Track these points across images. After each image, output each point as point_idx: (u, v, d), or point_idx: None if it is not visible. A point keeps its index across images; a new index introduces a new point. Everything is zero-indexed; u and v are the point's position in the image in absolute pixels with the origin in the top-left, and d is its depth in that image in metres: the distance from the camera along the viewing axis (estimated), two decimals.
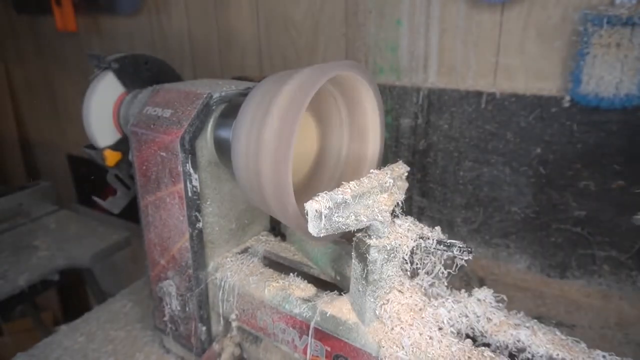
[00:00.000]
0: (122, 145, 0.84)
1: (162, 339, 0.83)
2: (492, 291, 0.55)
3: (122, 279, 1.63)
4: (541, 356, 0.51)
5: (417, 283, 0.57)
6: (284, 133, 0.49)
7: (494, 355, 0.51)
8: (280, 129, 0.50)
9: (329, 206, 0.48)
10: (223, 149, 0.66)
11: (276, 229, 0.83)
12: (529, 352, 0.53)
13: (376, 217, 0.51)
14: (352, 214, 0.50)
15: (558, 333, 0.51)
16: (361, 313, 0.56)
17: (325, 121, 0.69)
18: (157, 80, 0.82)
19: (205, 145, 0.66)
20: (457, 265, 0.54)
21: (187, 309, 0.73)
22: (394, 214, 0.54)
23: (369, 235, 0.53)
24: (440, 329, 0.55)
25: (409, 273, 0.57)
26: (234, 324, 0.72)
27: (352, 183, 0.53)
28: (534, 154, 0.83)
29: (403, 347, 0.53)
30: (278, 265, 0.72)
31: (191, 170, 0.64)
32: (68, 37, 1.56)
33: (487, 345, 0.54)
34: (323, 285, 0.66)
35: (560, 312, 0.85)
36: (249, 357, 0.74)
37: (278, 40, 1.09)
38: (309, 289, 0.64)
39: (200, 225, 0.68)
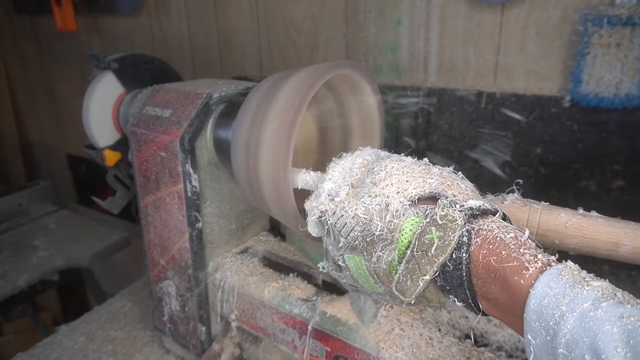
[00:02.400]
0: (121, 145, 0.84)
1: (162, 339, 0.83)
2: None
3: (122, 279, 1.63)
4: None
5: None
6: (283, 134, 0.49)
7: (494, 356, 0.51)
8: (280, 129, 0.50)
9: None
10: (222, 149, 0.65)
11: (276, 229, 0.83)
12: None
13: None
14: None
15: None
16: (361, 313, 0.56)
17: (325, 120, 0.69)
18: (157, 80, 0.82)
19: (205, 145, 0.66)
20: None
21: (187, 309, 0.73)
22: None
23: None
24: (440, 329, 0.55)
25: None
26: (233, 324, 0.72)
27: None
28: (534, 154, 0.83)
29: (403, 348, 0.53)
30: (278, 266, 0.72)
31: (191, 171, 0.64)
32: (68, 37, 1.56)
33: (487, 345, 0.54)
34: (323, 285, 0.66)
35: None
36: (249, 357, 0.74)
37: (278, 40, 1.08)
38: (309, 289, 0.64)
39: (199, 225, 0.68)
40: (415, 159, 0.46)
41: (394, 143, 0.97)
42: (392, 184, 0.42)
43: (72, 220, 1.45)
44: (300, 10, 1.03)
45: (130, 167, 0.81)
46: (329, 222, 0.45)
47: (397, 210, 0.40)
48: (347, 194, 0.45)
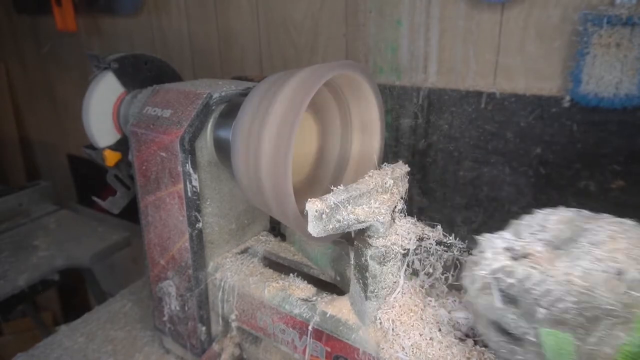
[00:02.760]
0: (121, 146, 0.84)
1: (162, 339, 0.83)
2: None
3: (122, 279, 1.63)
4: None
5: (418, 284, 0.57)
6: (283, 134, 0.49)
7: (493, 356, 0.51)
8: (280, 129, 0.50)
9: (329, 207, 0.48)
10: (223, 149, 0.65)
11: (276, 229, 0.83)
12: None
13: (376, 217, 0.51)
14: (352, 214, 0.50)
15: None
16: (361, 313, 0.56)
17: (325, 120, 0.69)
18: (157, 80, 0.82)
19: (205, 145, 0.66)
20: (457, 265, 0.54)
21: (187, 309, 0.73)
22: (394, 215, 0.54)
23: (369, 236, 0.53)
24: (440, 329, 0.55)
25: (408, 274, 0.57)
26: (233, 325, 0.72)
27: (352, 183, 0.53)
28: (534, 154, 0.83)
29: (403, 348, 0.53)
30: (278, 266, 0.72)
31: (191, 171, 0.64)
32: (68, 37, 1.56)
33: (487, 345, 0.54)
34: (323, 285, 0.66)
35: None
36: (249, 357, 0.74)
37: (278, 40, 1.09)
38: (309, 289, 0.64)
39: (200, 225, 0.68)
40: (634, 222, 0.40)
41: (394, 143, 0.97)
42: (619, 248, 0.34)
43: (72, 220, 1.45)
44: (300, 10, 1.03)
45: (130, 167, 0.81)
46: (510, 282, 0.36)
47: (636, 279, 0.33)
48: (545, 253, 0.37)
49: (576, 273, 0.34)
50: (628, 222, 0.38)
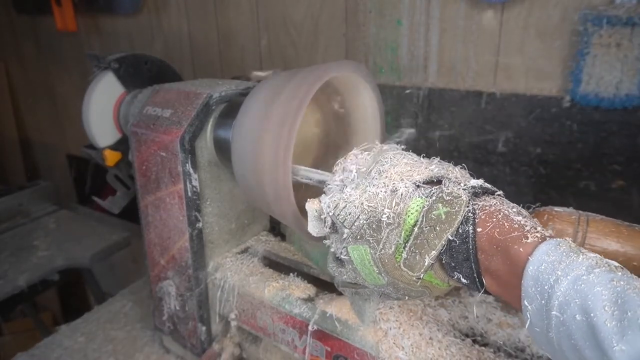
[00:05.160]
0: (122, 145, 0.84)
1: (162, 338, 0.83)
2: None
3: (122, 279, 1.63)
4: (540, 356, 0.51)
5: None
6: (283, 134, 0.49)
7: (494, 356, 0.51)
8: (280, 130, 0.50)
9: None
10: (223, 149, 0.65)
11: (276, 229, 0.83)
12: (528, 353, 0.53)
13: None
14: None
15: None
16: (361, 313, 0.56)
17: (326, 119, 0.69)
18: (157, 80, 0.82)
19: (205, 145, 0.66)
20: None
21: (187, 308, 0.73)
22: None
23: None
24: (440, 329, 0.55)
25: None
26: (233, 324, 0.72)
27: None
28: (534, 153, 0.83)
29: (403, 348, 0.53)
30: (278, 265, 0.72)
31: (191, 170, 0.64)
32: (68, 37, 1.56)
33: (487, 345, 0.54)
34: (323, 285, 0.66)
35: None
36: (249, 357, 0.74)
37: (278, 40, 1.08)
38: (309, 289, 0.64)
39: (200, 225, 0.68)
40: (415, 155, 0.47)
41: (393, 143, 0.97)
42: (396, 172, 0.43)
43: (72, 220, 1.45)
44: (300, 11, 1.03)
45: (130, 167, 0.81)
46: (330, 214, 0.45)
47: (403, 194, 0.41)
48: (354, 187, 0.45)
49: (365, 197, 0.43)
50: (410, 153, 0.47)
